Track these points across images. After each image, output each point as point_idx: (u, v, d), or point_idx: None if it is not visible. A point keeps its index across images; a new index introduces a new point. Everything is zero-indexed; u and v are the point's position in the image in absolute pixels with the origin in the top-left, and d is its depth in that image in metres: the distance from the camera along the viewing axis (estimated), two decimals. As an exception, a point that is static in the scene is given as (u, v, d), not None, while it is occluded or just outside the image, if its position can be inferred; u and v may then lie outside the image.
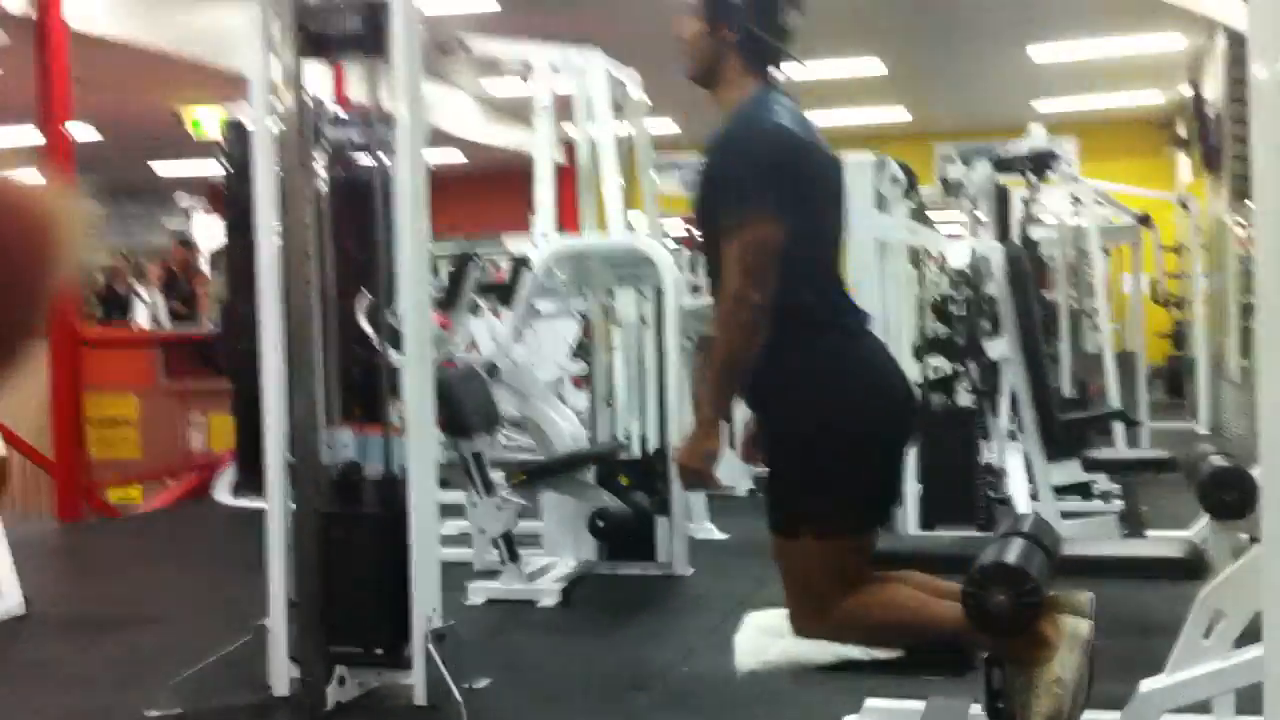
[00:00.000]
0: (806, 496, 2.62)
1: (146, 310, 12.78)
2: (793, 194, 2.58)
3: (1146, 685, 2.62)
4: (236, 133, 7.55)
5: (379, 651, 4.03)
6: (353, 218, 6.00)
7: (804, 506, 2.62)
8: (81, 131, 10.13)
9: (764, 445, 2.76)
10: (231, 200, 7.93)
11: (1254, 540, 3.44)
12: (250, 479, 7.39)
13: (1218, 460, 3.75)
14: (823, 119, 13.91)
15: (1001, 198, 7.26)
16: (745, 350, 2.55)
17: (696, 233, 2.89)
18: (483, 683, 4.15)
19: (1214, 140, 11.88)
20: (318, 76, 4.36)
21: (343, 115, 6.54)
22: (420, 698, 3.90)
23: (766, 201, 2.55)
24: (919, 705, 2.77)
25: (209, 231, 12.21)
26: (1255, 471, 1.76)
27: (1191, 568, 3.34)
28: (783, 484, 2.66)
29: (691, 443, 2.62)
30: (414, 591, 3.94)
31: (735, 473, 7.14)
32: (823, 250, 2.71)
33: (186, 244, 13.06)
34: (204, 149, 11.78)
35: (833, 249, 2.76)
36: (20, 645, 4.99)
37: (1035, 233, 8.42)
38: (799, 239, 2.57)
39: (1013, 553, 2.48)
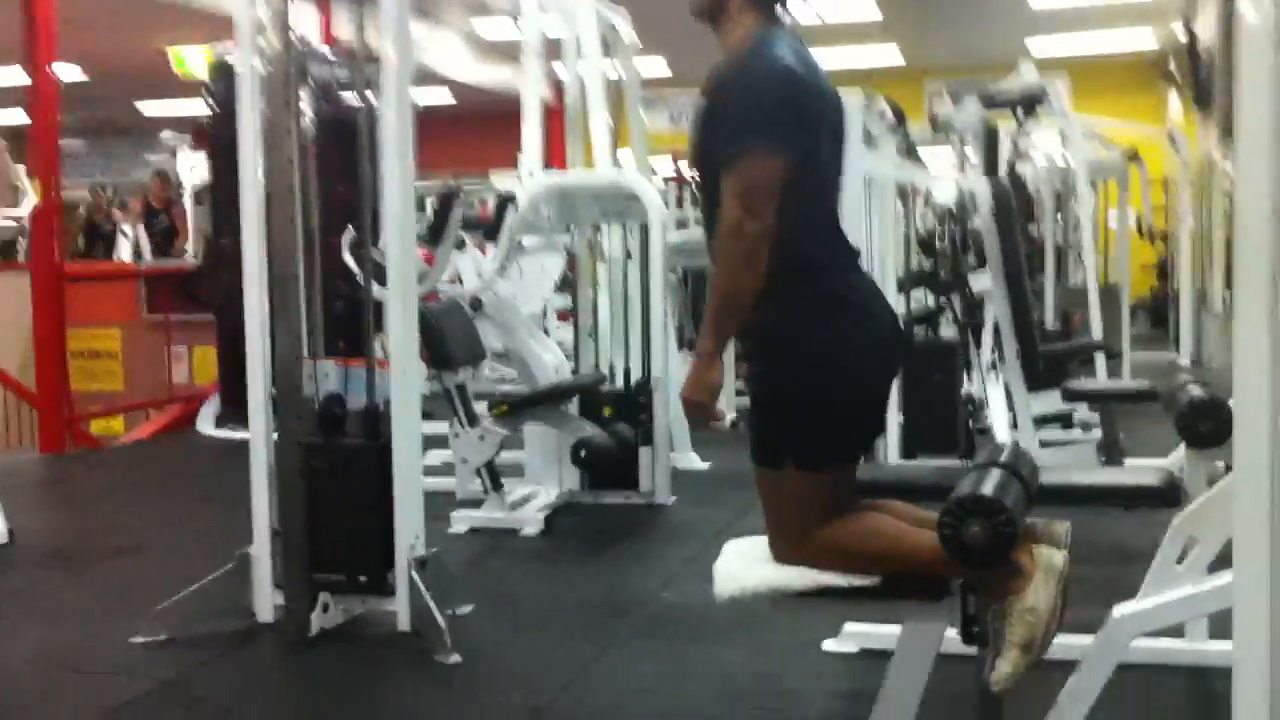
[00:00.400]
0: (790, 427, 2.62)
1: (129, 244, 12.74)
2: (795, 134, 2.56)
3: (1119, 610, 2.64)
4: (222, 72, 7.51)
5: (362, 579, 4.06)
6: (338, 155, 5.96)
7: (787, 437, 2.62)
8: (67, 71, 10.03)
9: (751, 375, 2.75)
10: (216, 137, 7.90)
11: (1229, 469, 3.48)
12: (233, 411, 7.44)
13: (1196, 390, 3.76)
14: (814, 56, 13.79)
15: (990, 135, 7.23)
16: (746, 283, 2.53)
17: (693, 173, 2.83)
18: (465, 609, 4.19)
19: (1205, 77, 11.84)
20: (305, 16, 4.32)
21: (329, 55, 6.51)
22: (404, 624, 3.94)
23: (768, 137, 2.53)
24: (895, 630, 2.80)
25: (193, 168, 12.13)
26: (1232, 401, 1.78)
27: (1167, 496, 3.35)
28: (767, 415, 2.66)
29: (694, 376, 2.60)
30: (397, 520, 3.96)
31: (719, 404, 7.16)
32: (820, 190, 2.68)
33: (164, 177, 13.00)
34: (189, 88, 11.70)
35: (831, 189, 2.74)
36: (5, 575, 5.01)
37: (1023, 169, 8.40)
38: (798, 179, 2.56)
39: (989, 484, 2.48)
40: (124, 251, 12.68)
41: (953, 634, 2.64)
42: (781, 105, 2.56)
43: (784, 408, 2.63)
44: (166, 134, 13.37)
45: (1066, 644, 2.88)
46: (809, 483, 2.61)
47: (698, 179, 2.86)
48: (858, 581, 2.58)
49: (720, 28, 2.73)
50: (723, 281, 2.56)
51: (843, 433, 2.65)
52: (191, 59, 11.59)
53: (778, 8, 2.70)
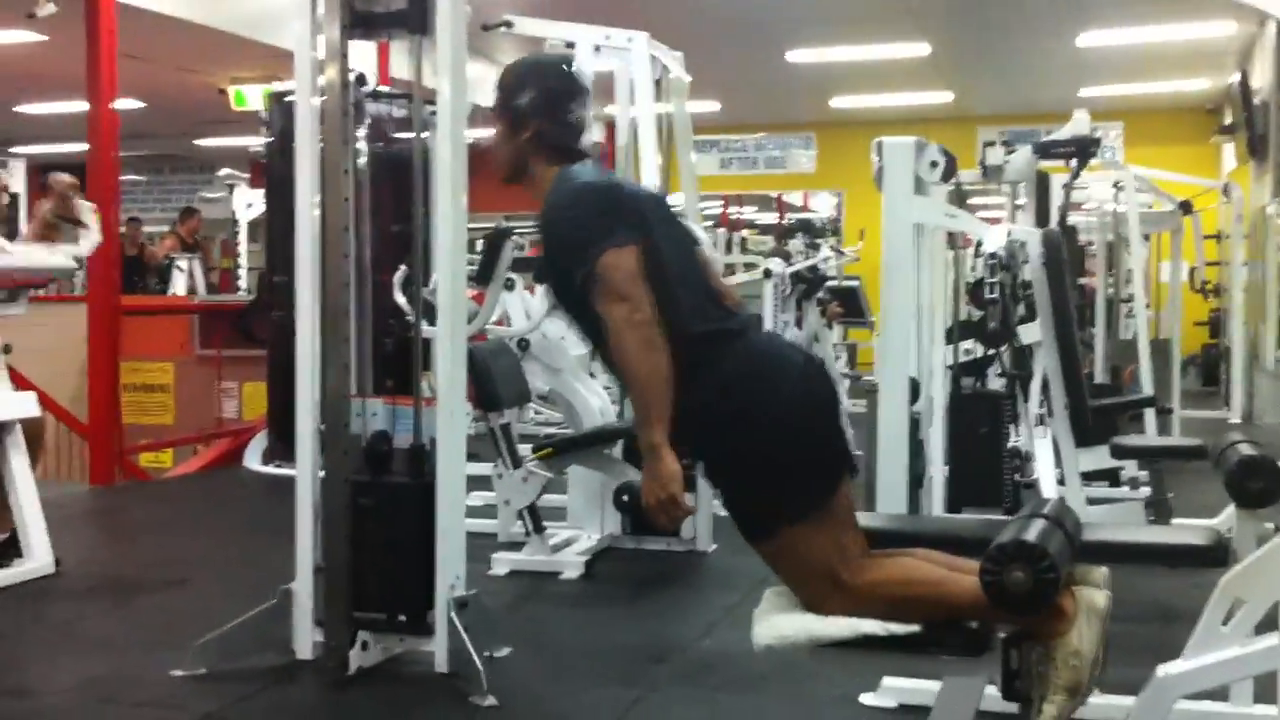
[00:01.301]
0: (764, 493, 2.63)
1: (184, 279, 12.91)
2: (626, 225, 2.68)
3: (1163, 670, 2.60)
4: (278, 104, 7.64)
5: (402, 618, 4.07)
6: (391, 193, 6.06)
7: (767, 503, 2.63)
8: (125, 104, 10.22)
9: (702, 470, 2.76)
10: (271, 172, 8.03)
11: (1279, 529, 3.42)
12: (281, 446, 7.50)
13: (1246, 448, 3.72)
14: (866, 102, 13.90)
15: (1042, 183, 7.20)
16: (657, 364, 2.57)
17: (566, 313, 3.02)
18: (504, 652, 4.19)
19: (1260, 128, 11.76)
20: (363, 53, 4.38)
21: (384, 91, 6.60)
22: (441, 664, 3.94)
23: (606, 235, 2.64)
24: (934, 685, 2.77)
25: (250, 204, 12.31)
26: None
27: (1215, 556, 3.31)
28: (737, 493, 2.68)
29: (650, 473, 2.59)
30: (439, 560, 3.97)
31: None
32: (679, 266, 2.75)
33: (190, 211, 13.29)
34: (245, 124, 11.88)
35: (691, 266, 2.80)
36: (50, 605, 5.06)
37: (1075, 218, 8.35)
38: (653, 262, 2.65)
39: (1032, 531, 2.48)
40: (179, 286, 12.84)
41: (992, 691, 2.62)
42: (600, 207, 2.73)
43: (747, 479, 2.64)
44: (224, 171, 13.58)
45: (1110, 704, 2.85)
46: (810, 531, 2.61)
47: (570, 316, 2.97)
48: (897, 629, 2.56)
49: (530, 184, 2.94)
50: (635, 373, 2.58)
51: (812, 470, 2.65)
52: (250, 95, 11.77)
53: (575, 150, 2.91)
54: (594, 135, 6.36)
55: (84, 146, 8.26)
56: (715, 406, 2.62)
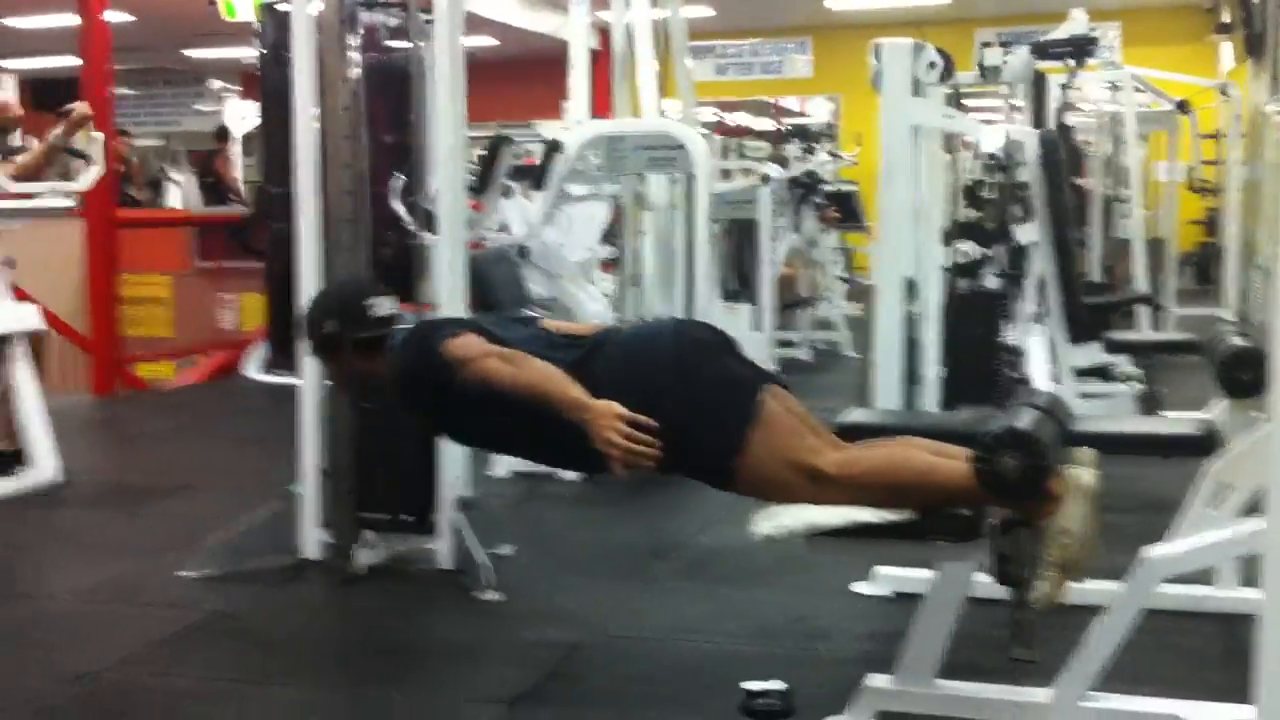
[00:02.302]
0: (696, 455, 2.71)
1: (179, 192, 12.87)
2: (447, 328, 2.93)
3: (1149, 552, 2.66)
4: (270, 15, 7.55)
5: (406, 518, 4.15)
6: (386, 103, 6.02)
7: (706, 451, 2.71)
8: (116, 15, 10.11)
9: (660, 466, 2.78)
10: (265, 83, 7.96)
11: (1268, 418, 3.48)
12: (281, 356, 7.52)
13: (1236, 340, 3.77)
14: (863, 4, 13.70)
15: (1039, 84, 7.17)
16: (531, 365, 2.71)
17: (464, 428, 3.18)
18: (506, 549, 4.27)
19: (1257, 26, 11.65)
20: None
21: (378, 0, 6.54)
22: (446, 562, 4.03)
23: (437, 338, 2.85)
24: (927, 574, 2.84)
25: (244, 117, 12.23)
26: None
27: (1205, 445, 3.37)
28: (683, 462, 2.73)
29: (593, 427, 2.60)
30: (441, 461, 4.03)
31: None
32: (526, 331, 2.94)
33: (125, 133, 13.21)
34: (236, 35, 11.76)
35: (529, 331, 2.96)
36: (58, 512, 5.14)
37: (1072, 119, 8.32)
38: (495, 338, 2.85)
39: (1023, 419, 2.53)
40: (174, 200, 12.81)
41: (984, 577, 2.68)
42: (423, 333, 2.96)
43: (680, 444, 2.65)
44: (215, 83, 13.50)
45: (1099, 589, 2.92)
46: (760, 451, 2.68)
47: (474, 423, 3.06)
48: (891, 516, 2.61)
49: (375, 383, 3.13)
50: (523, 381, 2.69)
51: (728, 402, 2.72)
52: (240, 6, 11.64)
53: (387, 336, 3.07)
54: (579, 56, 6.32)
55: (75, 61, 8.19)
56: (625, 397, 2.66)
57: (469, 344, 2.81)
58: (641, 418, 2.60)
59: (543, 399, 2.66)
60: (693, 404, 2.71)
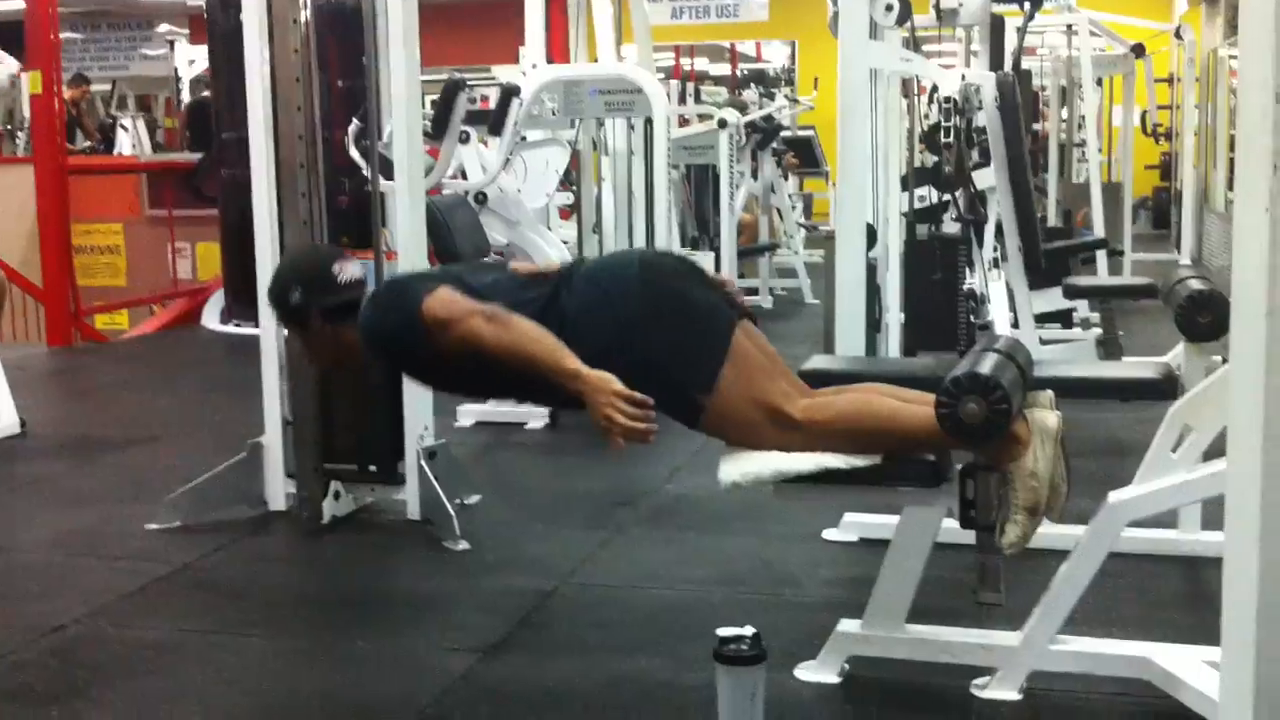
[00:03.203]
0: (664, 388, 2.65)
1: (129, 139, 12.68)
2: (419, 285, 2.82)
3: (1114, 496, 2.70)
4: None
5: (373, 469, 4.14)
6: (338, 48, 5.96)
7: (676, 387, 2.69)
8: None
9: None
10: (214, 26, 7.85)
11: (1226, 361, 3.53)
12: (239, 306, 7.48)
13: (1195, 284, 3.81)
14: (816, -55, 13.24)
15: (996, 27, 7.16)
16: (524, 328, 2.63)
17: (434, 387, 3.32)
18: (474, 499, 4.28)
19: (1212, -30, 11.70)
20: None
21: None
22: (413, 512, 4.03)
23: (412, 297, 2.76)
24: (894, 520, 2.87)
25: (192, 61, 12.05)
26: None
27: (1164, 389, 3.42)
28: (652, 389, 2.63)
29: (589, 399, 2.56)
30: (407, 410, 4.03)
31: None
32: (493, 278, 2.90)
33: (80, 79, 13.03)
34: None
35: (495, 276, 2.92)
36: (19, 464, 5.09)
37: (1028, 63, 8.34)
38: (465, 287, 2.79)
39: (985, 364, 2.55)
40: (124, 146, 12.62)
41: (951, 522, 2.71)
42: (394, 291, 2.94)
43: (646, 375, 2.62)
44: (164, 26, 13.26)
45: (1063, 533, 2.97)
46: (730, 390, 2.68)
47: (438, 383, 3.17)
48: (857, 462, 2.64)
49: (348, 350, 3.02)
50: (509, 342, 2.62)
51: (697, 336, 2.71)
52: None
53: (357, 303, 2.98)
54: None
55: (19, 4, 8.03)
56: (587, 343, 2.64)
57: (448, 303, 2.72)
58: (637, 395, 2.54)
59: (532, 363, 2.61)
60: (663, 338, 2.69)
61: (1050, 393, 2.70)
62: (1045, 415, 2.60)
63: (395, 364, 3.06)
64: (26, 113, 8.43)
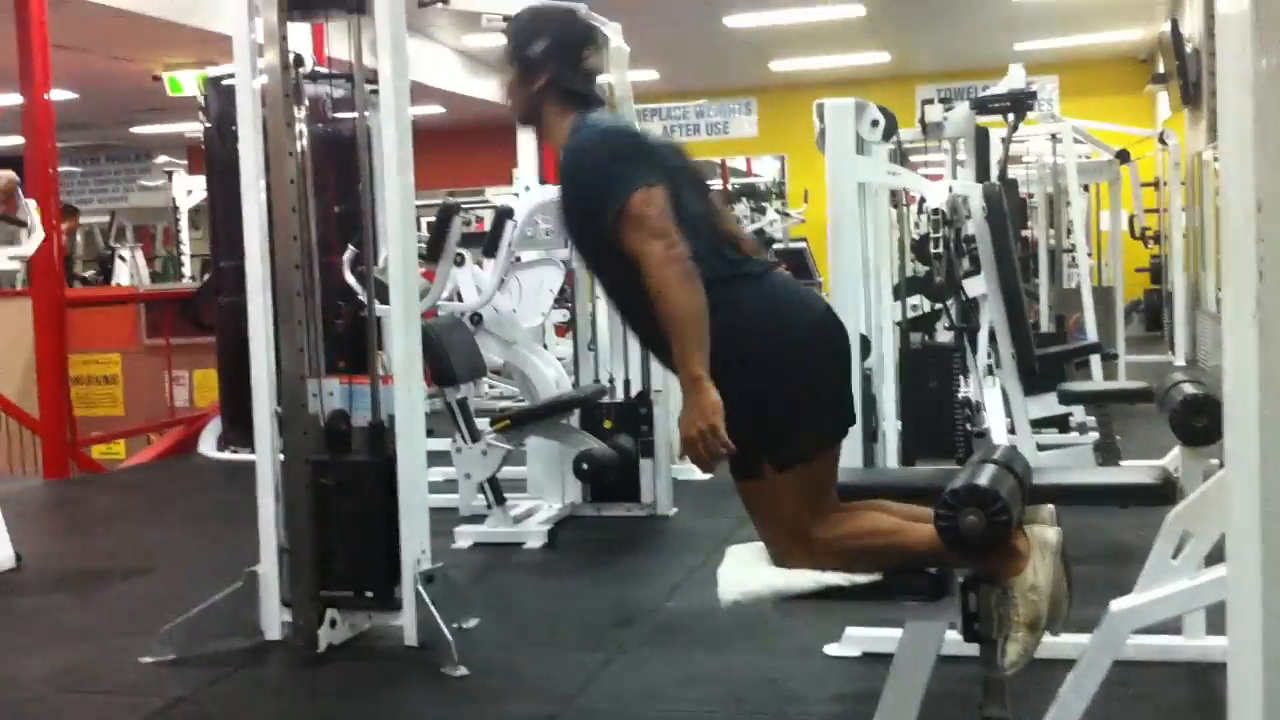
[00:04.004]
0: (758, 432, 2.62)
1: (127, 269, 12.79)
2: (651, 167, 2.68)
3: (1116, 605, 2.68)
4: (215, 89, 7.57)
5: (369, 594, 4.10)
6: (334, 174, 6.03)
7: (758, 443, 2.63)
8: (60, 93, 10.09)
9: None
10: (211, 157, 7.96)
11: (1223, 465, 3.52)
12: (236, 432, 7.48)
13: (1190, 388, 3.81)
14: (805, 65, 13.81)
15: (981, 138, 7.28)
16: (696, 299, 2.56)
17: (586, 260, 3.04)
18: (472, 622, 4.23)
19: (1192, 75, 11.91)
20: (298, 33, 4.36)
21: (323, 72, 6.56)
22: (411, 638, 3.98)
23: (631, 177, 2.64)
24: (897, 633, 2.84)
25: (190, 191, 12.19)
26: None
27: (1163, 494, 3.39)
28: (734, 428, 2.60)
29: (692, 405, 2.54)
30: (404, 534, 4.00)
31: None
32: (698, 211, 2.76)
33: (70, 210, 13.16)
34: (181, 110, 11.75)
35: (704, 212, 2.80)
36: (14, 598, 5.04)
37: (1014, 172, 8.44)
38: (678, 202, 2.66)
39: (983, 476, 2.54)
40: (122, 276, 12.73)
41: (953, 636, 2.68)
42: (625, 151, 2.74)
43: (746, 415, 2.60)
44: (162, 158, 13.46)
45: (1067, 642, 2.93)
46: (792, 482, 2.64)
47: (591, 265, 3.02)
48: (859, 579, 2.61)
49: (546, 131, 2.94)
50: (675, 308, 2.56)
51: (810, 422, 2.67)
52: (185, 81, 11.65)
53: (591, 97, 2.90)
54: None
55: (19, 140, 8.16)
56: (728, 347, 2.60)
57: (657, 214, 2.59)
58: (727, 441, 2.52)
59: (670, 330, 2.55)
60: (790, 396, 2.64)
61: (1051, 507, 2.69)
62: (1045, 530, 2.58)
63: (569, 200, 2.87)
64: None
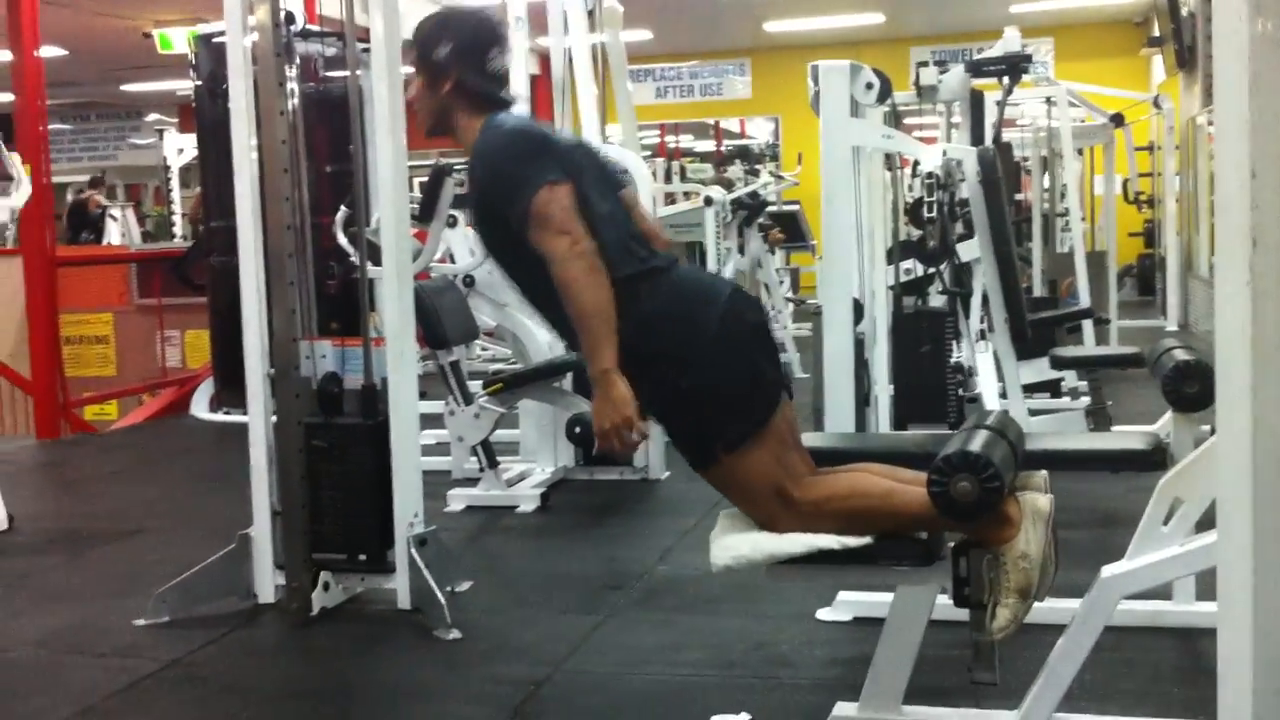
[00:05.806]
0: (701, 422, 2.67)
1: (118, 229, 12.75)
2: (556, 164, 2.73)
3: (1107, 571, 2.69)
4: (205, 47, 7.51)
5: (362, 557, 4.11)
6: (325, 134, 5.99)
7: (705, 431, 2.68)
8: (49, 50, 10.02)
9: (641, 400, 2.69)
10: (201, 116, 7.91)
11: (1214, 431, 3.53)
12: (228, 393, 7.47)
13: (1181, 354, 3.82)
14: (799, 26, 13.79)
15: (976, 101, 7.25)
16: (603, 293, 2.61)
17: (495, 257, 3.06)
18: (465, 585, 4.24)
19: (1187, 39, 11.87)
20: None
21: (314, 30, 6.52)
22: (404, 601, 3.99)
23: (538, 174, 2.68)
24: (888, 598, 2.85)
25: (180, 150, 12.15)
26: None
27: (1154, 459, 3.41)
28: (676, 422, 2.72)
29: (601, 399, 2.60)
30: (396, 497, 4.01)
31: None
32: (607, 209, 2.79)
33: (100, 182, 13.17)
34: (171, 68, 11.68)
35: (614, 208, 2.84)
36: (6, 560, 5.05)
37: (1009, 135, 8.41)
38: (584, 200, 2.71)
39: (976, 442, 2.55)
40: (114, 236, 12.68)
41: (944, 599, 2.69)
42: (531, 149, 2.78)
43: (683, 409, 2.67)
44: (152, 116, 13.39)
45: (1057, 607, 2.95)
46: (752, 455, 2.66)
47: (500, 262, 3.03)
48: (850, 542, 2.62)
49: (457, 134, 2.96)
50: (582, 304, 2.61)
51: (743, 401, 2.69)
52: (175, 38, 11.57)
53: (498, 99, 2.94)
54: (519, 83, 6.37)
55: (8, 96, 8.10)
56: (642, 345, 2.65)
57: (561, 213, 2.65)
58: (641, 428, 2.59)
59: (579, 325, 2.61)
60: (715, 382, 2.66)
61: (1044, 474, 2.70)
62: (1037, 498, 2.59)
63: (478, 200, 2.92)
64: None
